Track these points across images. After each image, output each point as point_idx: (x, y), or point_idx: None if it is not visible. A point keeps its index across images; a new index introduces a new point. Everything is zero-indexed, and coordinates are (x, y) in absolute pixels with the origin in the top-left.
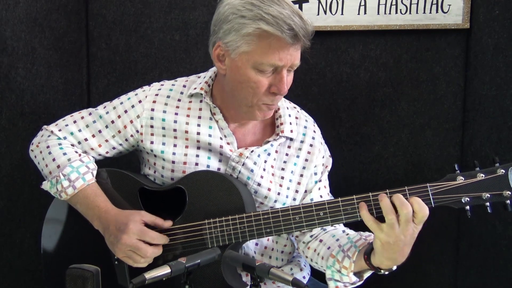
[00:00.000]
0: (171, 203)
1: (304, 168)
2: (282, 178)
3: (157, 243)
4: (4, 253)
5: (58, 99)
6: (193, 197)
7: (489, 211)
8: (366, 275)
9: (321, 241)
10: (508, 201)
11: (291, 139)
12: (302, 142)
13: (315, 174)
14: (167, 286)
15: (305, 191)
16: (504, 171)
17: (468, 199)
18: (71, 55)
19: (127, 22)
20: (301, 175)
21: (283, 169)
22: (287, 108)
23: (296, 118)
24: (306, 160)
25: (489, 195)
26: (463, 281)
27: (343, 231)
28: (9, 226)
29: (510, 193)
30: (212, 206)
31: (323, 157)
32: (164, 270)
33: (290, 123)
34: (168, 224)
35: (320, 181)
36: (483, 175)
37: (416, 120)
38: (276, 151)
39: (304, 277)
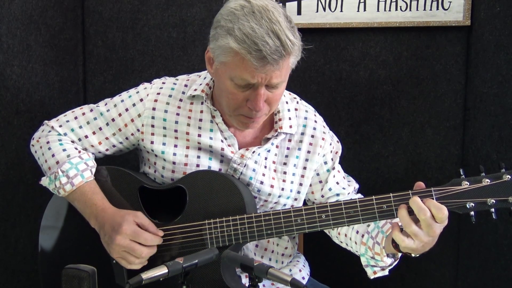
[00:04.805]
0: (171, 203)
1: (307, 160)
2: (285, 173)
3: (150, 244)
4: None
5: (54, 97)
6: (194, 196)
7: (494, 217)
8: (400, 254)
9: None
10: None
11: (291, 134)
12: (302, 134)
13: (325, 163)
14: (165, 286)
15: (320, 182)
16: (510, 177)
17: (473, 205)
18: (67, 52)
19: (123, 19)
20: (304, 168)
21: (285, 163)
22: (286, 102)
23: (296, 110)
24: (309, 152)
25: (494, 201)
26: (463, 281)
27: None
28: (4, 226)
29: None
30: (213, 206)
31: (330, 144)
32: (161, 270)
33: (290, 118)
34: (160, 233)
35: (333, 168)
36: (489, 181)
37: (417, 119)
38: (277, 146)
39: (303, 278)
